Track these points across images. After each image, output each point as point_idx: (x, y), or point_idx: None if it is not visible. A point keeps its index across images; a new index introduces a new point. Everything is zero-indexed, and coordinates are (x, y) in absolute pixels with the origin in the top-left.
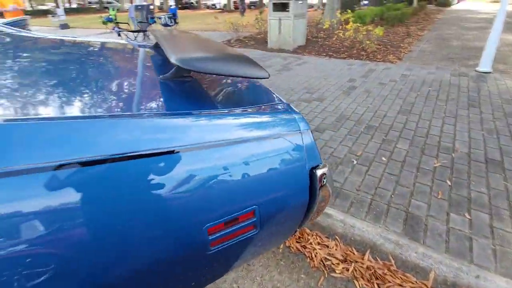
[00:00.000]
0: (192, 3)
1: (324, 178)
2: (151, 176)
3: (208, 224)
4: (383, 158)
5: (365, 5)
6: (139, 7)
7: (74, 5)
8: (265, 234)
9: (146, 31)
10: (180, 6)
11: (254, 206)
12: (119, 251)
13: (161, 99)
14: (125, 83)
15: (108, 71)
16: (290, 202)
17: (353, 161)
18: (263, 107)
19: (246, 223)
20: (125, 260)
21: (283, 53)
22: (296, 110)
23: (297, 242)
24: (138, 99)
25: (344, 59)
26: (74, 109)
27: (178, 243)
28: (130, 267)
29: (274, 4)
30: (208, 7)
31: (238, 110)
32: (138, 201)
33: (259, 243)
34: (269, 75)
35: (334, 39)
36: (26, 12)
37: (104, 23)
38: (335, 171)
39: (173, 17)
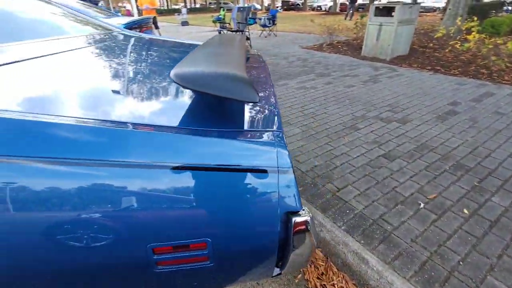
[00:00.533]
0: (298, 4)
1: (308, 226)
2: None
3: (153, 244)
4: (465, 211)
5: (508, 11)
6: (241, 8)
7: (197, 5)
8: (223, 270)
9: (243, 31)
10: (285, 7)
11: (207, 239)
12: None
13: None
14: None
15: None
16: (255, 244)
17: (419, 204)
18: (245, 132)
19: (197, 253)
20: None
21: (377, 63)
22: (285, 144)
23: (318, 278)
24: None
25: (454, 76)
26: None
27: (122, 252)
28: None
29: (377, 8)
30: (313, 9)
31: (214, 132)
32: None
33: (217, 276)
34: (259, 99)
35: (447, 51)
36: (161, 11)
37: (214, 22)
38: (391, 210)
39: (272, 18)
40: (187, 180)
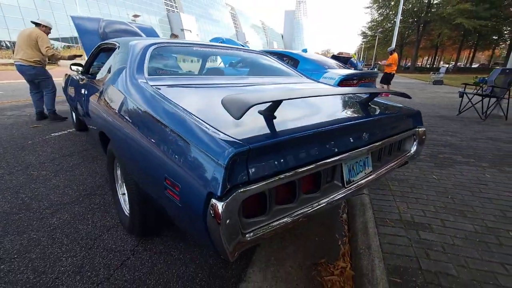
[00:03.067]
0: None
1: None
2: None
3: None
4: None
5: None
6: (507, 70)
7: (475, 64)
8: (182, 212)
9: (499, 98)
10: None
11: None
12: None
13: None
14: None
15: None
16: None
17: None
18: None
19: (174, 191)
20: None
21: None
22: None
23: None
24: None
25: None
26: None
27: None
28: None
29: None
30: None
31: None
32: None
33: (179, 215)
34: (239, 118)
35: None
36: (420, 68)
37: (476, 84)
38: None
39: None
40: None
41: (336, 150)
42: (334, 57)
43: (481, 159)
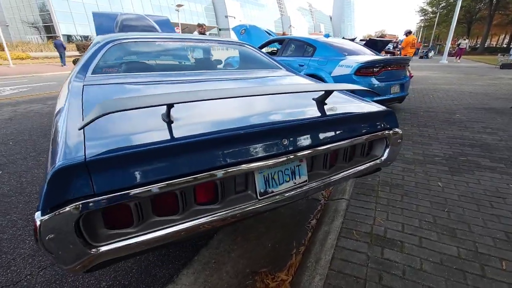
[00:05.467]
0: None
1: None
2: None
3: None
4: None
5: None
6: None
7: None
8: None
9: None
10: None
11: None
12: None
13: None
14: None
15: None
16: None
17: None
18: None
19: None
20: None
21: None
22: None
23: None
24: None
25: None
26: None
27: None
28: None
29: None
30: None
31: None
32: None
33: None
34: (80, 129)
35: None
36: (474, 49)
37: None
38: None
39: None
40: None
41: (238, 158)
42: (370, 41)
43: None
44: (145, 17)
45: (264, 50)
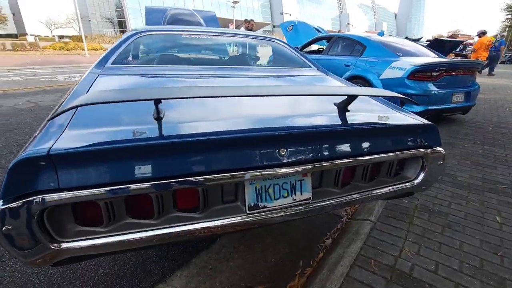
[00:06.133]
0: None
1: None
2: None
3: None
4: None
5: None
6: None
7: None
8: None
9: None
10: None
11: None
12: None
13: None
14: None
15: None
16: None
17: None
18: None
19: None
20: None
21: None
22: None
23: None
24: None
25: None
26: None
27: None
28: None
29: None
30: None
31: None
32: None
33: None
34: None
35: None
36: None
37: None
38: None
39: None
40: None
41: (224, 165)
42: (435, 41)
43: None
44: (193, 12)
45: (311, 48)
